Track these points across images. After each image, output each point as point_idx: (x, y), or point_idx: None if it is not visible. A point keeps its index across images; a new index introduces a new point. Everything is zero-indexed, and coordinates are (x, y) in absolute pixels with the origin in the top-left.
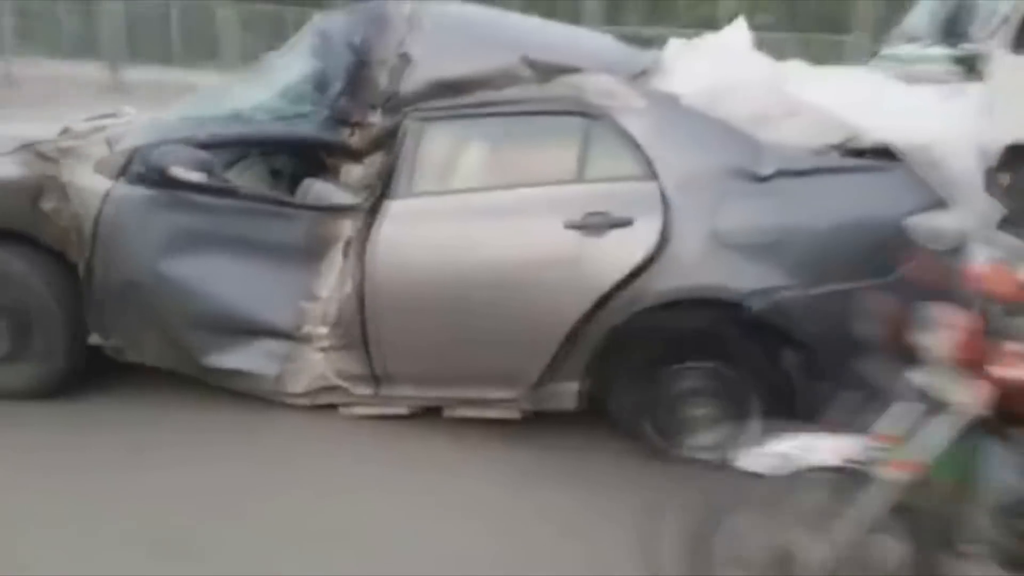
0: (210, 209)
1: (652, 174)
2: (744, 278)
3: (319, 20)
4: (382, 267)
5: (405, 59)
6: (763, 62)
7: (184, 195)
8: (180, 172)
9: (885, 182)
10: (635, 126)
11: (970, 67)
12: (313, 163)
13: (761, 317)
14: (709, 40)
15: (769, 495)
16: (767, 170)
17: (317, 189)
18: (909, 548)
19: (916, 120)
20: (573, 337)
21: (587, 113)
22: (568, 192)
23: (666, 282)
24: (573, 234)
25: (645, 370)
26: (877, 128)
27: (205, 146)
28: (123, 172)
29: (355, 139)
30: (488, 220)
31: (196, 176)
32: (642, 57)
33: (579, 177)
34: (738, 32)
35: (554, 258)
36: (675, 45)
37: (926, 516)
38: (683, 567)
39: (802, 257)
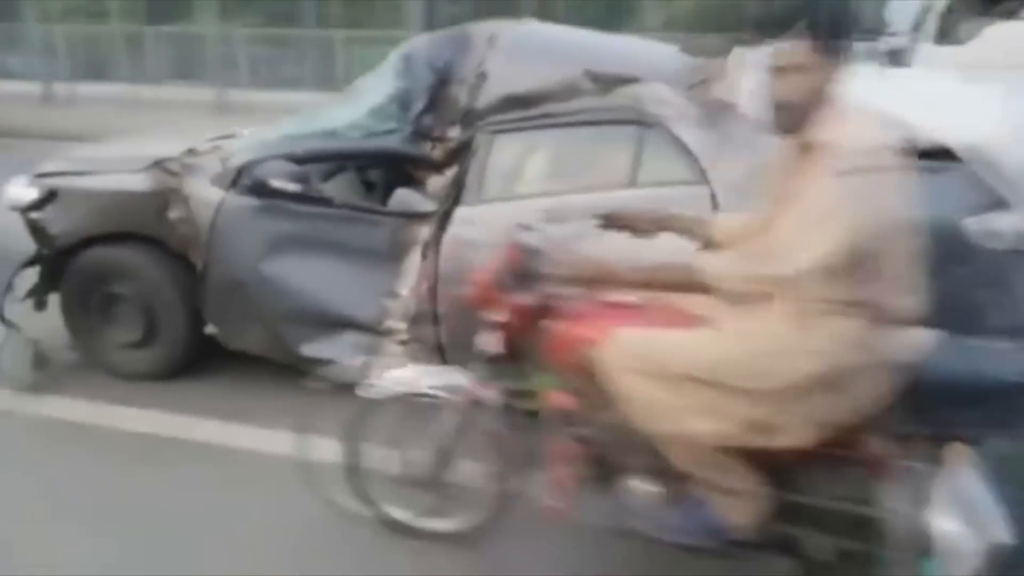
0: (305, 216)
1: (703, 178)
2: None
3: (404, 45)
4: (450, 267)
5: (482, 77)
6: None
7: (283, 204)
8: (279, 184)
9: (941, 182)
10: (687, 133)
11: (895, 60)
12: (402, 175)
13: None
14: (767, 49)
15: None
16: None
17: (404, 198)
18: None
19: (971, 118)
20: None
21: (642, 121)
22: (621, 196)
23: None
24: (622, 236)
25: None
26: (933, 128)
27: (302, 161)
28: (233, 185)
29: (436, 152)
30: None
31: (292, 187)
32: (703, 66)
33: (633, 182)
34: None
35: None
36: (737, 54)
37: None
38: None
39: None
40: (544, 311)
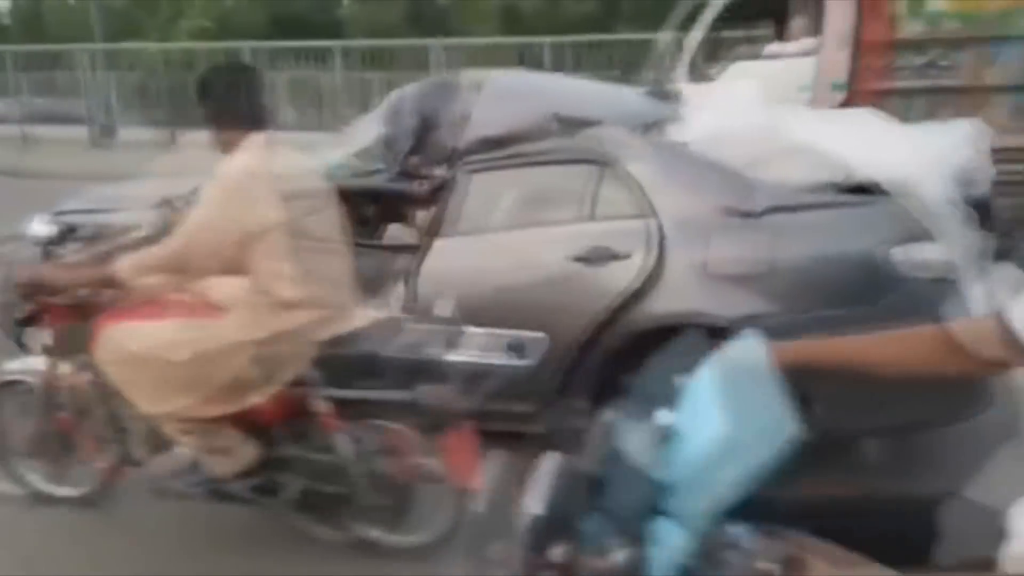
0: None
1: (651, 212)
2: (731, 306)
3: (394, 93)
4: (425, 295)
5: (465, 120)
6: (766, 109)
7: None
8: None
9: (870, 215)
10: (640, 171)
11: (664, 100)
12: (395, 212)
13: None
14: (719, 91)
15: None
16: (755, 207)
17: (395, 232)
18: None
19: (898, 155)
20: (577, 357)
21: (600, 161)
22: (579, 229)
23: (657, 308)
24: (577, 266)
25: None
26: (865, 164)
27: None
28: None
29: (422, 190)
30: (509, 255)
31: None
32: (662, 109)
33: (590, 216)
34: (748, 84)
35: (556, 287)
36: (690, 95)
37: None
38: None
39: (788, 286)
40: (92, 309)
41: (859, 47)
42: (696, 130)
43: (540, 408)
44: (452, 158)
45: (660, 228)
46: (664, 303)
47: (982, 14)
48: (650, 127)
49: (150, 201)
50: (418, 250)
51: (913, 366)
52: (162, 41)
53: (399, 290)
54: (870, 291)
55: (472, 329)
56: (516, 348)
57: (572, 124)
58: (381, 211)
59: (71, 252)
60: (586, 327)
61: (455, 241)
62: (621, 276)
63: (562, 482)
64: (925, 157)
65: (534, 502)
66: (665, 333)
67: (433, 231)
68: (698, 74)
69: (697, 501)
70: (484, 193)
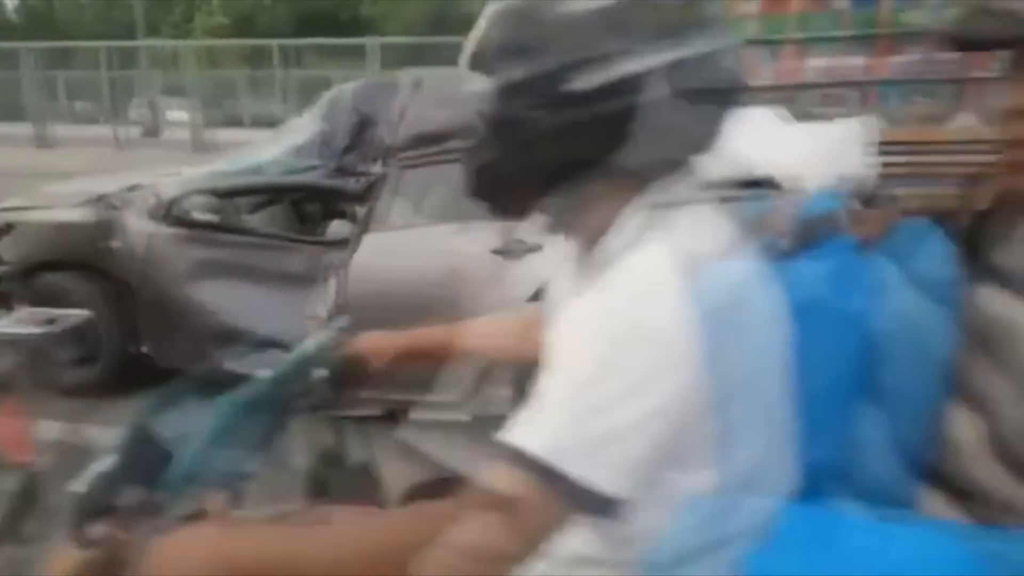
0: (227, 244)
1: None
2: None
3: (332, 91)
4: (353, 289)
5: (402, 118)
6: None
7: (206, 233)
8: (198, 215)
9: (763, 208)
10: None
11: None
12: (336, 208)
13: None
14: None
15: None
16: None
17: (336, 228)
18: None
19: (788, 151)
20: None
21: None
22: (499, 223)
23: None
24: (496, 258)
25: None
26: (761, 161)
27: (224, 194)
28: (163, 217)
29: (358, 186)
30: (432, 249)
31: (209, 218)
32: None
33: None
34: None
35: (478, 278)
36: None
37: None
38: None
39: None
40: None
41: None
42: None
43: (461, 398)
44: (388, 155)
45: None
46: None
47: (781, 18)
48: None
49: (86, 198)
50: (347, 244)
51: (519, 350)
52: (177, 38)
53: (332, 285)
54: None
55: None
56: (50, 321)
57: None
58: (323, 208)
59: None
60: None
61: (384, 236)
62: (537, 267)
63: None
64: (813, 153)
65: (79, 483)
66: None
67: (364, 226)
68: None
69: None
70: (414, 189)
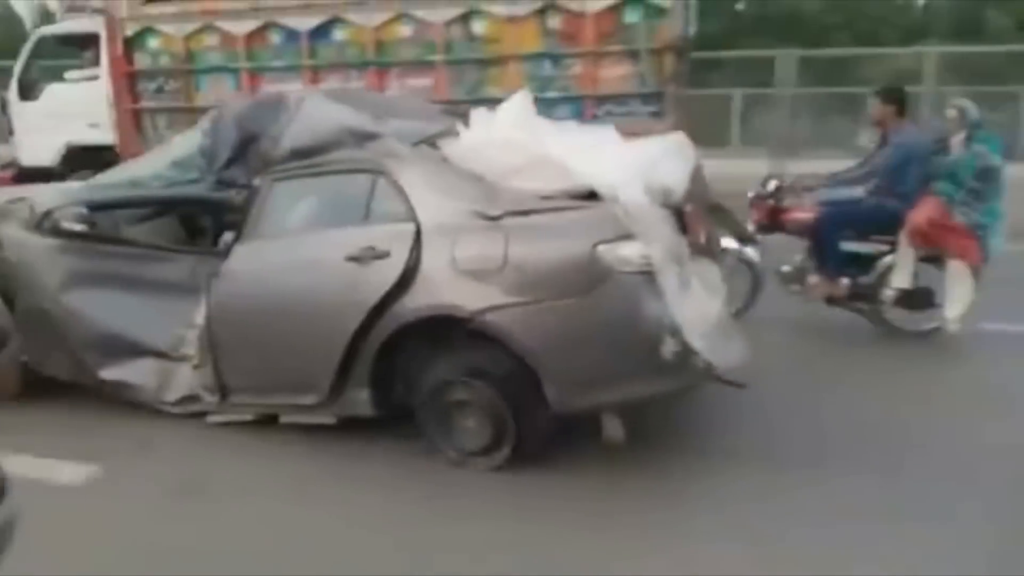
0: (101, 254)
1: (412, 216)
2: (473, 298)
3: (215, 108)
4: (221, 297)
5: (281, 133)
6: (531, 124)
7: (79, 244)
8: (68, 225)
9: (584, 218)
10: (405, 179)
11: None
12: (228, 221)
13: (484, 331)
14: (501, 107)
15: None
16: (496, 211)
17: (228, 240)
18: None
19: (608, 165)
20: (352, 350)
21: (375, 170)
22: (354, 232)
23: (416, 303)
24: (351, 265)
25: (419, 382)
26: (588, 174)
27: (99, 207)
28: (38, 227)
29: (239, 198)
30: (295, 257)
31: (79, 228)
32: (445, 124)
33: (365, 220)
34: (521, 99)
35: (333, 285)
36: (476, 113)
37: None
38: None
39: (519, 280)
40: None
41: (114, 76)
42: (463, 143)
43: (323, 400)
44: (265, 167)
45: (418, 230)
46: (421, 298)
47: (182, 52)
48: (426, 140)
49: None
50: (222, 254)
51: None
52: None
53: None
54: (583, 282)
55: None
56: None
57: (360, 136)
58: (214, 220)
59: None
60: (355, 321)
61: (254, 244)
62: (384, 274)
63: None
64: (630, 167)
65: None
66: (426, 324)
67: (236, 236)
68: (27, 93)
69: None
70: (283, 200)
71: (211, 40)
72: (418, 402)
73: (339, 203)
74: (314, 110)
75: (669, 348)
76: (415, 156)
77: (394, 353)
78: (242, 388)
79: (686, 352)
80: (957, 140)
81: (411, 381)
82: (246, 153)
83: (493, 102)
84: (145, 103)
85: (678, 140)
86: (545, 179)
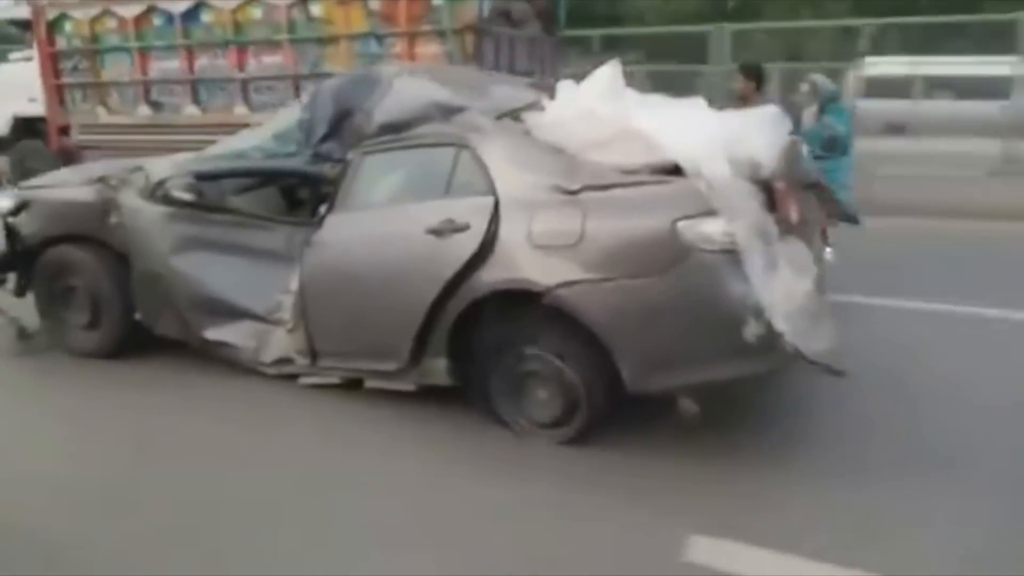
0: (207, 221)
1: (492, 190)
2: (548, 273)
3: (317, 84)
4: (311, 265)
5: (374, 108)
6: (617, 96)
7: (187, 211)
8: (177, 194)
9: (667, 193)
10: (486, 152)
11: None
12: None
13: (559, 306)
14: (588, 79)
15: None
16: (575, 185)
17: (322, 210)
18: None
19: (693, 138)
20: (430, 320)
21: (458, 143)
22: (436, 205)
23: (492, 276)
24: (431, 237)
25: (493, 353)
26: (672, 148)
27: (206, 177)
28: (152, 195)
29: (334, 172)
30: (380, 229)
31: (187, 197)
32: (532, 96)
33: (446, 192)
34: (609, 71)
35: (413, 256)
36: (562, 85)
37: None
38: None
39: (595, 257)
40: None
41: (41, 57)
42: (547, 116)
43: (403, 367)
44: (359, 142)
45: (496, 204)
46: (497, 271)
47: (88, 34)
48: (510, 113)
49: (91, 178)
50: (315, 225)
51: None
52: None
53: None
54: (662, 260)
55: None
56: None
57: (446, 111)
58: (313, 192)
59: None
60: (433, 292)
61: (344, 216)
62: (462, 246)
63: None
64: (715, 139)
65: None
66: (502, 297)
67: (328, 208)
68: None
69: None
70: (371, 173)
71: (110, 23)
72: (492, 372)
73: (423, 176)
74: (404, 86)
75: (752, 330)
76: (497, 129)
77: (473, 324)
78: (329, 352)
79: (771, 335)
80: (810, 112)
81: (488, 351)
82: (341, 127)
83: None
84: (65, 79)
85: (770, 112)
86: (628, 153)
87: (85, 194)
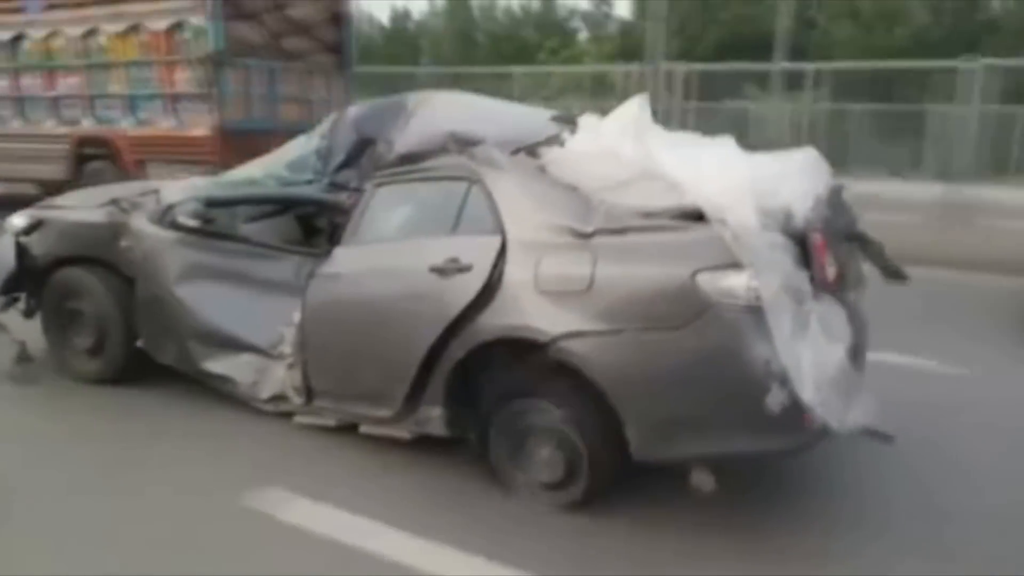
0: (214, 249)
1: (500, 228)
2: (554, 322)
3: (337, 112)
4: (313, 298)
5: (396, 138)
6: (642, 133)
7: (194, 238)
8: (183, 220)
9: (686, 241)
10: (498, 189)
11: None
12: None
13: (561, 359)
14: (612, 113)
15: None
16: (589, 228)
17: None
18: None
19: (719, 182)
20: (428, 365)
21: (469, 178)
22: (442, 242)
23: (494, 322)
24: (433, 276)
25: (494, 405)
26: (696, 191)
27: (217, 204)
28: (160, 220)
29: (351, 201)
30: (384, 264)
31: (193, 223)
32: (552, 130)
33: (454, 229)
34: (636, 105)
35: (414, 296)
36: (584, 119)
37: None
38: None
39: (606, 306)
40: None
41: None
42: (565, 152)
43: (397, 414)
44: (377, 171)
45: (503, 244)
46: (500, 317)
47: None
48: (527, 148)
49: (103, 201)
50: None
51: None
52: None
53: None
54: (679, 314)
55: None
56: None
57: (463, 143)
58: (331, 222)
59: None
60: (431, 336)
61: (352, 248)
62: (464, 288)
63: None
64: (744, 184)
65: None
66: (505, 345)
67: (336, 239)
68: None
69: None
70: (383, 205)
71: None
72: (491, 426)
73: (433, 210)
74: (427, 114)
75: (776, 399)
76: (510, 165)
77: (475, 373)
78: (325, 392)
79: (796, 407)
80: None
81: (489, 403)
82: (361, 156)
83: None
84: None
85: (808, 157)
86: (648, 195)
87: (96, 216)
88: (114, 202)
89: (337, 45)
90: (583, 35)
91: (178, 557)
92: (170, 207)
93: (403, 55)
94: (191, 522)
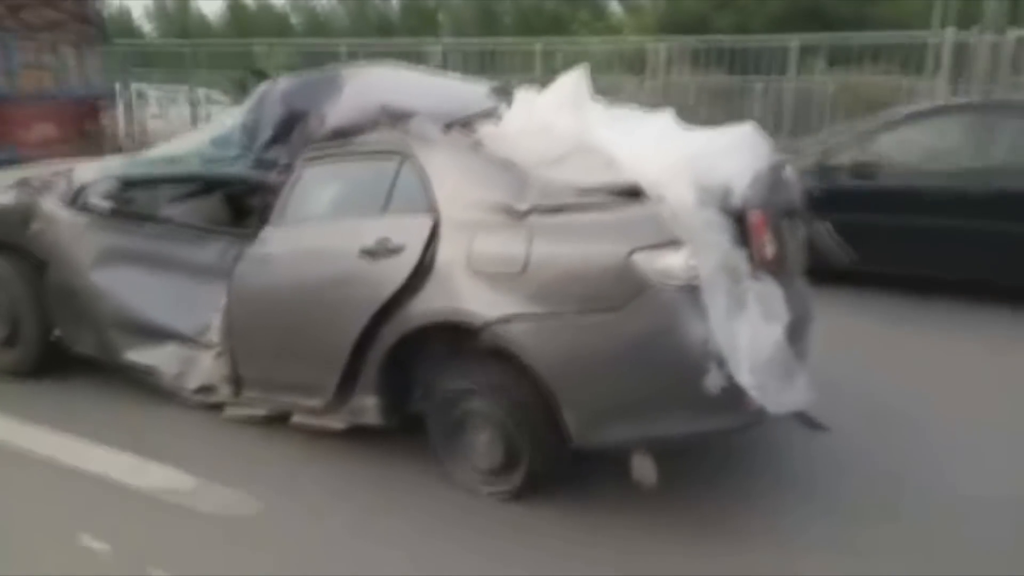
0: (131, 232)
1: (432, 207)
2: (488, 305)
3: (265, 84)
4: (239, 281)
5: (327, 111)
6: (580, 107)
7: (109, 221)
8: (95, 201)
9: (624, 219)
10: (431, 165)
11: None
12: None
13: (496, 343)
14: (550, 87)
15: None
16: (524, 206)
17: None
18: None
19: (658, 158)
20: (360, 352)
21: (402, 152)
22: (372, 223)
23: (426, 306)
24: (363, 259)
25: (430, 393)
26: (633, 167)
27: (136, 183)
28: (72, 202)
29: (279, 179)
30: (313, 245)
31: (106, 205)
32: (489, 104)
33: (385, 208)
34: (575, 79)
35: (344, 279)
36: (521, 93)
37: None
38: None
39: (540, 288)
40: None
41: None
42: (501, 127)
43: (329, 404)
44: (307, 147)
45: (436, 223)
46: (432, 300)
47: None
48: (462, 121)
49: (9, 181)
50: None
51: None
52: None
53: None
54: (615, 295)
55: None
56: None
57: (395, 116)
58: (261, 201)
59: None
60: (362, 321)
61: (280, 230)
62: (395, 270)
63: None
64: (682, 160)
65: None
66: (439, 329)
67: (264, 219)
68: None
69: None
70: (312, 183)
71: None
72: (429, 412)
73: (363, 189)
74: (360, 87)
75: (714, 381)
76: (444, 139)
77: (411, 359)
78: (254, 381)
79: (735, 387)
80: None
81: (425, 391)
82: (291, 132)
83: None
84: None
85: (747, 132)
86: (585, 170)
87: (3, 198)
88: (22, 183)
89: (85, 16)
90: (615, 4)
91: None
92: (83, 188)
93: (421, 28)
94: None
